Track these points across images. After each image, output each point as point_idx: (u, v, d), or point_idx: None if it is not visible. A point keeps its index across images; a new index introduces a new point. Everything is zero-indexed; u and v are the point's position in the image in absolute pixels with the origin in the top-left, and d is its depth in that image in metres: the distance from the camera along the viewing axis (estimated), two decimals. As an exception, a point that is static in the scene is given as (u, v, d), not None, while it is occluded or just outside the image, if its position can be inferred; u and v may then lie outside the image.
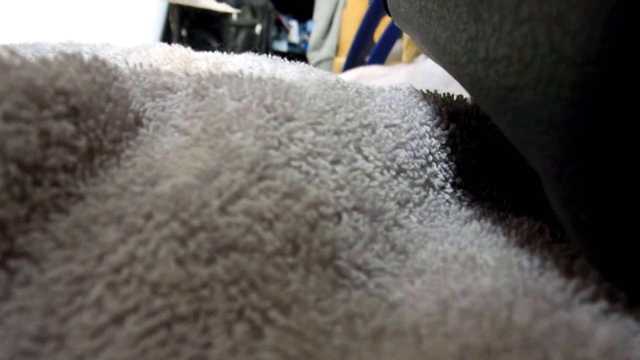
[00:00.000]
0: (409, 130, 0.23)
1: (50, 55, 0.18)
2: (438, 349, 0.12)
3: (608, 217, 0.13)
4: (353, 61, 1.02)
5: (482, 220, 0.21)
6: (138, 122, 0.20)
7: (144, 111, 0.20)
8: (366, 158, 0.21)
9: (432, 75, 0.60)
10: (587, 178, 0.13)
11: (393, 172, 0.21)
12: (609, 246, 0.13)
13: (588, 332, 0.13)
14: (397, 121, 0.23)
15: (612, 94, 0.11)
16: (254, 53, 0.35)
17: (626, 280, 0.14)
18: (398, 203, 0.20)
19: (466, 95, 0.26)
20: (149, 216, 0.15)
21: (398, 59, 1.00)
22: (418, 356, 0.12)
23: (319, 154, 0.19)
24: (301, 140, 0.19)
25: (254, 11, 1.81)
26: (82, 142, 0.17)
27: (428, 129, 0.23)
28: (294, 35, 2.26)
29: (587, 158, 0.12)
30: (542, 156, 0.14)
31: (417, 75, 0.62)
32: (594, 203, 0.13)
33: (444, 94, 0.26)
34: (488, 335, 0.12)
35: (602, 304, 0.14)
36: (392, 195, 0.20)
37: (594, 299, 0.14)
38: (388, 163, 0.21)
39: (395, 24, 0.32)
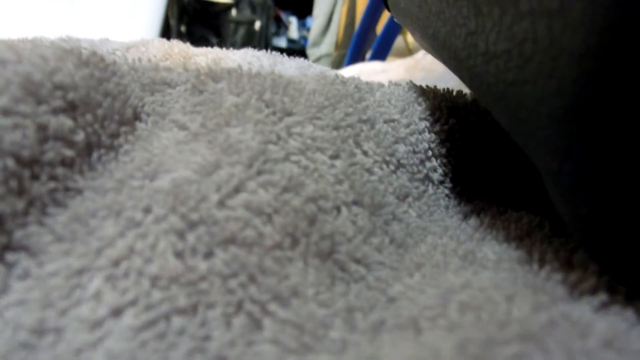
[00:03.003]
0: (408, 125, 0.22)
1: (49, 51, 0.18)
2: (438, 341, 0.12)
3: (608, 211, 0.13)
4: (355, 56, 1.01)
5: (481, 215, 0.21)
6: (136, 117, 0.20)
7: (143, 106, 0.20)
8: (365, 153, 0.20)
9: (431, 71, 0.60)
10: (588, 172, 0.13)
11: (392, 167, 0.21)
12: (609, 240, 0.13)
13: (587, 325, 0.13)
14: (396, 116, 0.23)
15: (612, 87, 0.11)
16: (253, 49, 0.35)
17: (626, 274, 0.14)
18: (397, 197, 0.20)
19: (466, 90, 0.25)
20: (147, 210, 0.15)
21: (398, 55, 1.00)
22: (417, 349, 0.12)
23: (318, 149, 0.19)
24: (300, 135, 0.19)
25: (253, 7, 1.81)
26: (80, 137, 0.17)
27: (427, 124, 0.23)
28: (294, 31, 2.26)
29: (588, 152, 0.12)
30: (542, 151, 0.14)
31: (417, 71, 0.62)
32: (595, 197, 0.13)
33: (444, 89, 0.25)
34: (488, 328, 0.12)
35: (602, 296, 0.14)
36: (391, 189, 0.20)
37: (593, 291, 0.14)
38: (387, 158, 0.21)
39: (394, 19, 0.32)
